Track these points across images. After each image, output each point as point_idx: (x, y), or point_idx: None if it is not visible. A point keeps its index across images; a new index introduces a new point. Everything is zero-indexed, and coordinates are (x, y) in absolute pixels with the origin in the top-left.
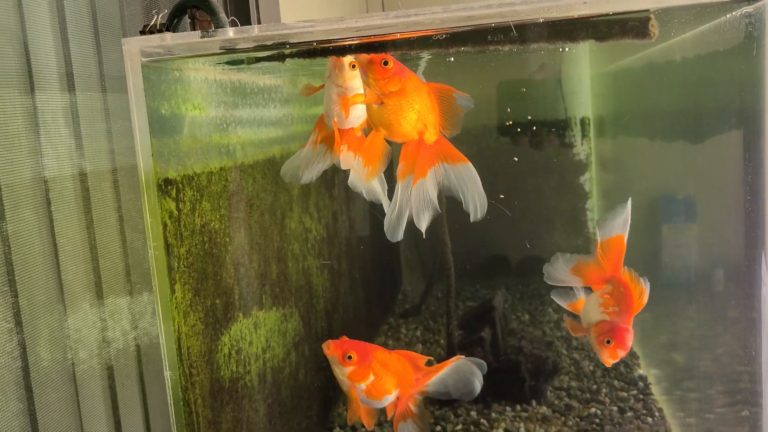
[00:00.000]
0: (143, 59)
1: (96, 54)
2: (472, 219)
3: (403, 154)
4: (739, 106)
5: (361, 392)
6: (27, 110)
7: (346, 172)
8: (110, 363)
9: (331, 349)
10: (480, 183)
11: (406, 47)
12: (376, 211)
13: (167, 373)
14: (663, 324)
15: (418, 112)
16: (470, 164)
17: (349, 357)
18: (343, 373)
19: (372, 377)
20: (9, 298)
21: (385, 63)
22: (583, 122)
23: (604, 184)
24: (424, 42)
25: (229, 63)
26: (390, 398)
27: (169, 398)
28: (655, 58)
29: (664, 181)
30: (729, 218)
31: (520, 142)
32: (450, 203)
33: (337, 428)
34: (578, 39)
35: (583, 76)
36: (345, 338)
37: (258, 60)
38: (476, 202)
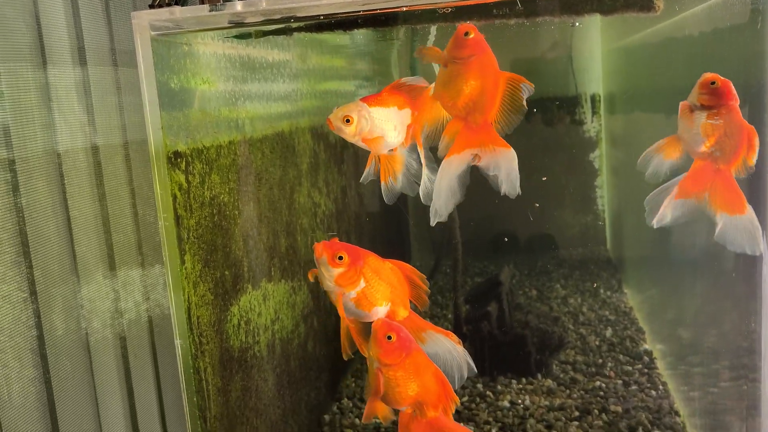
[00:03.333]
0: (152, 33)
1: (107, 28)
2: (511, 195)
3: (447, 129)
4: (744, 82)
5: (350, 301)
6: (39, 84)
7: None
8: (123, 333)
9: (319, 250)
10: (516, 167)
11: (413, 21)
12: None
13: (177, 341)
14: (670, 300)
15: (473, 89)
16: (512, 150)
17: (340, 258)
18: (331, 276)
19: (363, 284)
20: (24, 268)
21: (466, 34)
22: (594, 99)
23: (613, 161)
24: (430, 15)
25: (237, 37)
26: (380, 311)
27: (179, 365)
28: (666, 34)
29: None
30: None
31: (530, 119)
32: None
33: (345, 399)
34: (584, 12)
35: (594, 52)
36: (336, 240)
37: (265, 34)
38: (511, 182)
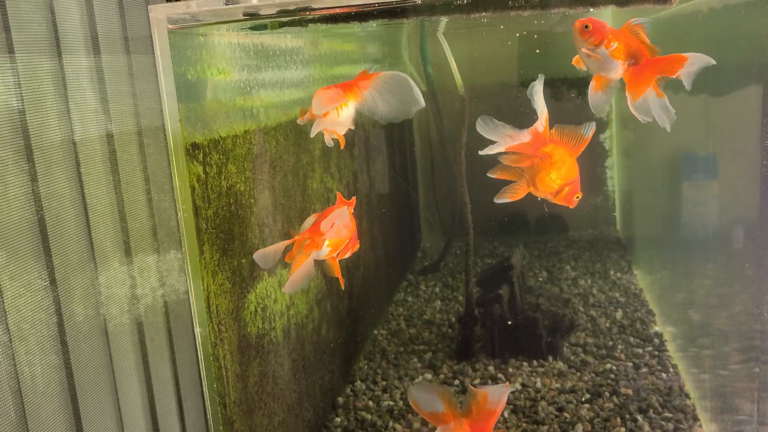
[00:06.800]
0: (169, 26)
1: (119, 16)
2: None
3: None
4: (761, 62)
5: None
6: (55, 74)
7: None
8: (140, 318)
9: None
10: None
11: (427, 12)
12: (396, 172)
13: (197, 330)
14: (680, 282)
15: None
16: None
17: None
18: None
19: None
20: (43, 257)
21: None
22: None
23: (624, 142)
24: (446, 7)
25: (252, 28)
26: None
27: (199, 353)
28: (679, 12)
29: (684, 139)
30: (746, 177)
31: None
32: (470, 160)
33: (358, 381)
34: (599, 4)
35: None
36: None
37: (282, 25)
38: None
